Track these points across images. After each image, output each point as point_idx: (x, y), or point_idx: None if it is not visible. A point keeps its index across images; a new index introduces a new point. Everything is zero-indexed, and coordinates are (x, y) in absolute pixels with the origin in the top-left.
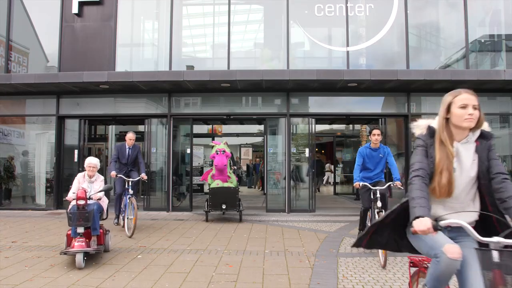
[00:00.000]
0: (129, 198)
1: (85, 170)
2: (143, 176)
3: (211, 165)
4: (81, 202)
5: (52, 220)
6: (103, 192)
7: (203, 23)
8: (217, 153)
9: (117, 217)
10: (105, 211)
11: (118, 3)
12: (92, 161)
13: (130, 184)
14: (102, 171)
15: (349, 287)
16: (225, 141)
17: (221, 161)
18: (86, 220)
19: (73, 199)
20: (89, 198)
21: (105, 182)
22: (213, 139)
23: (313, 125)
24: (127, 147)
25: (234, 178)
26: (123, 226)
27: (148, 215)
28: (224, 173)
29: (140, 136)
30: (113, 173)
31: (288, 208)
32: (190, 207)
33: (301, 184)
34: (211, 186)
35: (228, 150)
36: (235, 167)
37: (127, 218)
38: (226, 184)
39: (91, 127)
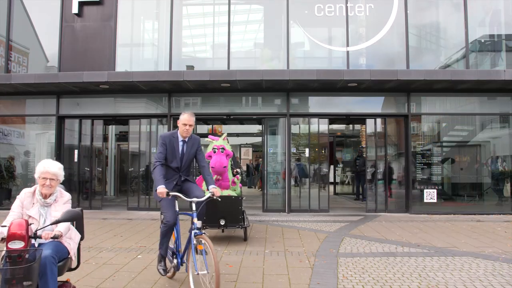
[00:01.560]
0: (195, 236)
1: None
2: (215, 191)
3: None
4: (17, 245)
5: None
6: (67, 224)
7: (203, 23)
8: (215, 152)
9: (163, 259)
10: (74, 257)
11: (118, 3)
12: (50, 168)
13: (194, 207)
14: (86, 180)
15: (349, 287)
16: (224, 136)
17: (220, 162)
18: (26, 279)
19: (2, 240)
20: (36, 237)
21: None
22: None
23: (326, 125)
24: (180, 139)
25: (237, 185)
26: (172, 277)
27: (149, 215)
28: (224, 178)
29: (137, 136)
30: (162, 189)
31: (288, 208)
32: (190, 207)
33: (310, 184)
34: (206, 195)
35: (228, 148)
36: (238, 170)
37: (194, 273)
38: (226, 192)
39: (92, 127)
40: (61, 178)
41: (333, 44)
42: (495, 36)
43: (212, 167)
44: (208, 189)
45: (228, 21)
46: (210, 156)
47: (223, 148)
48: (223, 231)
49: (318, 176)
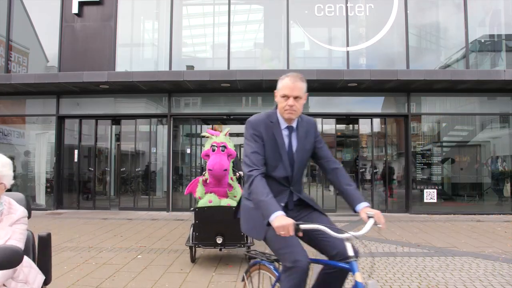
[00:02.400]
0: None
1: None
2: (377, 215)
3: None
4: None
5: (52, 220)
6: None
7: (203, 23)
8: (213, 150)
9: None
10: None
11: (118, 3)
12: None
13: (351, 250)
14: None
15: (349, 287)
16: (226, 132)
17: (220, 164)
18: None
19: None
20: None
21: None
22: None
23: (334, 125)
24: (283, 125)
25: (238, 190)
26: None
27: (149, 215)
28: (223, 183)
29: (138, 136)
30: (286, 221)
31: None
32: (190, 207)
33: (317, 184)
34: (199, 205)
35: (231, 147)
36: (240, 173)
37: None
38: (224, 202)
39: (91, 127)
40: (8, 182)
41: (333, 44)
42: (495, 36)
43: (209, 170)
44: (355, 209)
45: (228, 21)
46: (208, 156)
47: (225, 147)
48: (220, 250)
49: (321, 176)
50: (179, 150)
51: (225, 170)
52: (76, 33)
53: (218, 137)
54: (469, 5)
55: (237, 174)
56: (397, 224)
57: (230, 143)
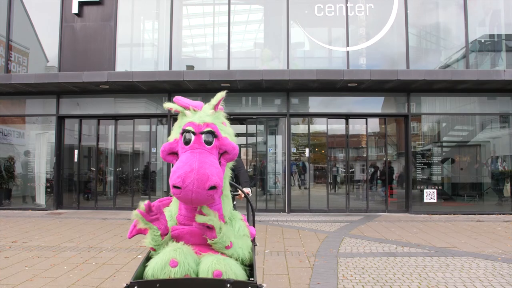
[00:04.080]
0: None
1: None
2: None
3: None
4: None
5: (52, 220)
6: None
7: (203, 23)
8: (187, 142)
9: None
10: None
11: (118, 3)
12: None
13: None
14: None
15: (349, 287)
16: (220, 99)
17: (200, 174)
18: None
19: None
20: None
21: None
22: None
23: (344, 125)
24: None
25: (241, 228)
26: None
27: None
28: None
29: (138, 137)
30: None
31: (288, 208)
32: None
33: (329, 184)
34: (147, 272)
35: (228, 133)
36: (248, 192)
37: None
38: (206, 264)
39: (91, 127)
40: None
41: (333, 44)
42: (495, 36)
43: (174, 188)
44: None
45: (228, 21)
46: (175, 154)
47: (214, 133)
48: None
49: (326, 176)
50: None
51: (213, 188)
52: (76, 33)
53: (198, 112)
54: (469, 5)
55: (240, 194)
56: (397, 224)
57: (227, 128)
